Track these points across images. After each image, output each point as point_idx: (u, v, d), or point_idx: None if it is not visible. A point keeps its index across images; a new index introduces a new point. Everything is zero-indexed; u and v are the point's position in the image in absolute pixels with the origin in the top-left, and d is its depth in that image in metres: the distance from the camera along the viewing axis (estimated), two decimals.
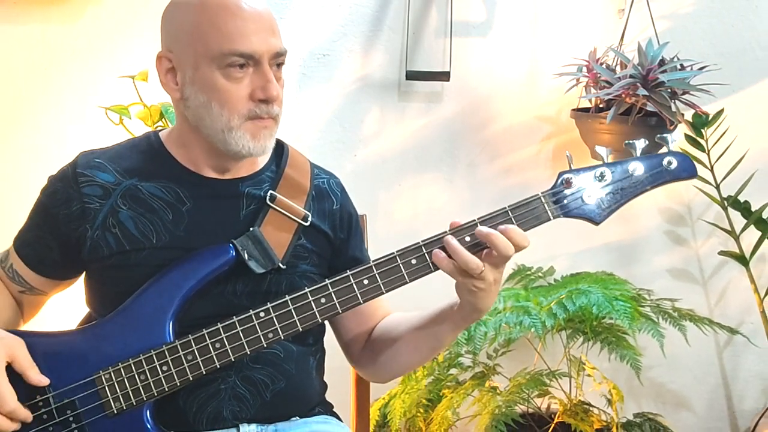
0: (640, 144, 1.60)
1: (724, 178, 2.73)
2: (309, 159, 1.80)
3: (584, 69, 2.62)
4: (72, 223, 1.64)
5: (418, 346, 1.73)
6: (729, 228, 2.78)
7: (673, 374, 3.00)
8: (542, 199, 1.59)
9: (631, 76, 2.48)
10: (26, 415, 1.52)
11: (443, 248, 1.54)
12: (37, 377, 1.54)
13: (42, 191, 1.70)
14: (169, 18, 1.62)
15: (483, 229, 1.52)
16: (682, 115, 2.56)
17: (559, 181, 1.60)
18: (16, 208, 1.88)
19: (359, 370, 1.89)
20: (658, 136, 1.62)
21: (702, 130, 2.68)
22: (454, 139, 2.83)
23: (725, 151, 2.71)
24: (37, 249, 1.69)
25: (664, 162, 1.60)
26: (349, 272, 1.58)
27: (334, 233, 1.75)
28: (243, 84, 1.56)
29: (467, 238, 1.54)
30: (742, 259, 2.78)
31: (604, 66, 2.60)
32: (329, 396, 1.84)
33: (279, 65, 1.61)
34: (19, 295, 1.75)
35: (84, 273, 1.71)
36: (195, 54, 1.56)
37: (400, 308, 1.80)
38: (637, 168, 1.60)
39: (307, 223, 1.69)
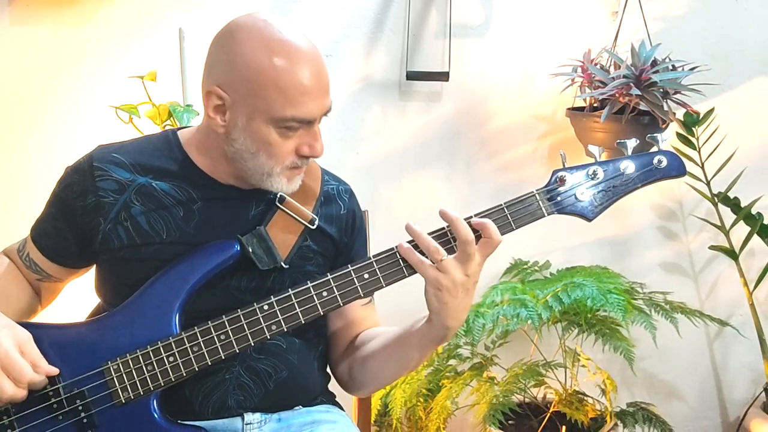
0: (632, 143, 1.61)
1: (715, 175, 2.73)
2: (319, 164, 1.79)
3: (579, 69, 2.61)
4: (87, 215, 1.63)
5: (386, 360, 1.69)
6: (719, 223, 2.77)
7: (665, 365, 3.00)
8: (537, 196, 1.59)
9: (624, 77, 2.48)
10: (45, 378, 1.52)
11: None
12: (47, 367, 1.53)
13: (58, 183, 1.69)
14: (228, 59, 1.54)
15: (445, 210, 1.52)
16: (674, 114, 2.56)
17: (553, 178, 1.60)
18: (29, 204, 1.88)
19: (336, 378, 1.83)
20: (649, 135, 1.62)
21: (693, 129, 2.68)
22: (453, 137, 2.82)
23: (715, 149, 2.71)
24: (53, 239, 1.69)
25: (655, 161, 1.61)
26: (350, 267, 1.58)
27: (339, 236, 1.75)
28: (292, 139, 1.56)
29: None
30: (732, 254, 2.77)
31: (598, 66, 2.60)
32: (332, 386, 1.84)
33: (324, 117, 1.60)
34: (36, 283, 1.75)
35: (96, 262, 1.71)
36: (254, 107, 1.52)
37: (400, 307, 1.80)
38: (629, 166, 1.60)
39: (314, 227, 1.69)
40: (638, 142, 1.61)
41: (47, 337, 1.56)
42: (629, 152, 1.60)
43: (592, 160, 1.61)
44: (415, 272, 1.56)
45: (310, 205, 1.70)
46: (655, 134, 1.61)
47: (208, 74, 1.58)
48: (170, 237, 1.62)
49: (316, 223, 1.69)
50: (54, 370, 1.54)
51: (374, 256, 1.57)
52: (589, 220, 1.61)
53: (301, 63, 1.51)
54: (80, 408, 1.54)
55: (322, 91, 1.55)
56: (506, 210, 1.57)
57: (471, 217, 1.55)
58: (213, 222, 1.63)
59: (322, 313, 1.57)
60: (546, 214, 1.59)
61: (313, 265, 1.70)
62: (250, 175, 1.60)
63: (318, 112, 1.55)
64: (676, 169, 1.61)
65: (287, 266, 1.65)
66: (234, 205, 1.66)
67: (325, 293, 1.57)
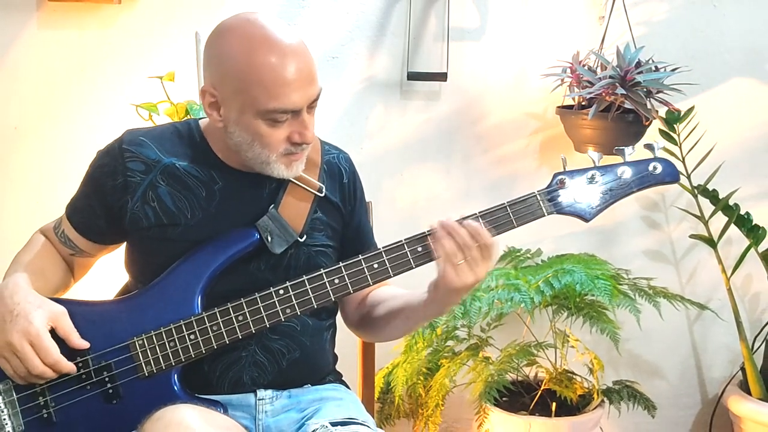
0: (629, 150, 1.60)
1: (695, 169, 2.73)
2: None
3: (568, 70, 2.62)
4: (116, 194, 1.65)
5: (398, 325, 1.74)
6: (699, 214, 2.78)
7: (649, 346, 3.00)
8: (538, 197, 1.60)
9: (610, 77, 2.49)
10: (69, 367, 1.55)
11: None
12: (78, 341, 1.56)
13: (90, 164, 1.71)
14: (216, 60, 1.58)
15: (444, 221, 1.55)
16: (657, 111, 2.57)
17: (554, 181, 1.61)
18: (57, 198, 1.89)
19: (350, 327, 1.87)
20: (646, 144, 1.62)
21: (674, 126, 2.69)
22: (451, 134, 2.83)
23: (695, 144, 2.71)
24: (86, 216, 1.71)
25: (650, 167, 1.61)
26: (360, 257, 1.60)
27: (343, 204, 1.76)
28: (282, 128, 1.56)
29: None
30: (711, 242, 2.78)
31: (586, 67, 2.61)
32: (339, 367, 1.85)
33: (314, 104, 1.60)
34: (69, 258, 1.77)
35: (126, 240, 1.73)
36: (241, 103, 1.54)
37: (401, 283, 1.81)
38: (625, 172, 1.60)
39: (323, 195, 1.70)
40: (634, 150, 1.61)
41: (79, 313, 1.59)
42: (626, 158, 1.60)
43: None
44: (422, 264, 1.59)
45: (315, 174, 1.71)
46: (651, 143, 1.61)
47: (204, 74, 1.61)
48: (194, 218, 1.64)
49: (324, 191, 1.71)
50: (85, 344, 1.57)
51: (383, 248, 1.60)
52: (587, 220, 1.62)
53: (281, 58, 1.52)
54: (107, 379, 1.57)
55: (305, 82, 1.55)
56: (509, 209, 1.58)
57: (467, 217, 1.57)
58: (232, 203, 1.65)
59: (333, 299, 1.60)
60: (546, 214, 1.60)
61: (324, 236, 1.71)
62: (253, 164, 1.61)
63: (302, 102, 1.55)
64: (669, 175, 1.62)
65: (302, 239, 1.66)
66: (250, 185, 1.67)
67: (336, 280, 1.59)
